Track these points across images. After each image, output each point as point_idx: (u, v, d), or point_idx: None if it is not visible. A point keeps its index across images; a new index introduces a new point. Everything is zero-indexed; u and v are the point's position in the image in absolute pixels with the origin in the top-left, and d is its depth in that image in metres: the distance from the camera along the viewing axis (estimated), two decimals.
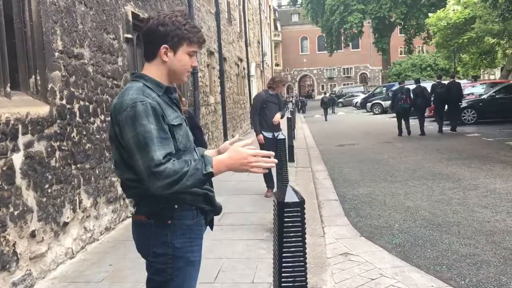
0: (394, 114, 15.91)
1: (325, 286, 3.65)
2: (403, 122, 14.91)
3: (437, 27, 26.59)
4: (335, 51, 49.56)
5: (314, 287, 3.61)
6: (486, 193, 6.55)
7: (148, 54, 1.87)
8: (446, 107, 15.56)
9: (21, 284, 3.53)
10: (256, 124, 6.93)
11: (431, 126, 16.46)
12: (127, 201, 5.74)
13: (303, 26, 68.11)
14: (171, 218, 1.80)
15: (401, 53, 55.29)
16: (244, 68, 18.90)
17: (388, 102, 19.93)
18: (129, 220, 5.63)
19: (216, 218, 5.89)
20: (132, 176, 1.78)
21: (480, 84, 22.21)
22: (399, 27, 45.56)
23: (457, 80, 16.27)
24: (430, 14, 29.28)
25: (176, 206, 1.80)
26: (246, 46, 19.64)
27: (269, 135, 6.71)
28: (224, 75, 13.24)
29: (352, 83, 63.80)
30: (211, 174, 1.71)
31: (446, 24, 25.78)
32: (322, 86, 70.45)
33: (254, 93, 21.57)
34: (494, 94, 17.68)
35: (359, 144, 13.77)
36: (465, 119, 17.49)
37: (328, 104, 29.14)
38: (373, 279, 3.78)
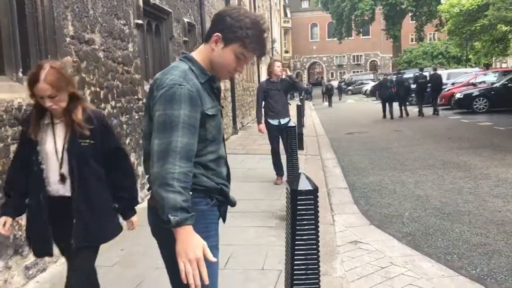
0: (421, 104, 18.02)
1: (335, 274, 3.65)
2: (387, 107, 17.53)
3: (450, 14, 26.24)
4: (345, 38, 49.17)
5: (324, 275, 3.61)
6: (498, 183, 6.50)
7: (206, 36, 1.86)
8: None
9: (33, 268, 3.57)
10: (257, 113, 6.92)
11: (415, 109, 18.45)
12: (138, 187, 5.75)
13: (313, 12, 67.55)
14: None
15: (412, 41, 54.70)
16: None
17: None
18: (141, 206, 5.65)
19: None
20: None
21: (492, 72, 21.95)
22: (410, 14, 44.98)
23: (438, 72, 19.19)
24: (442, 1, 28.88)
25: (190, 193, 1.79)
26: None
27: (274, 122, 6.68)
28: None
29: (362, 71, 63.36)
30: (168, 220, 1.61)
31: (458, 11, 25.43)
32: (332, 73, 70.05)
33: (263, 80, 21.51)
34: (506, 82, 17.46)
35: (369, 132, 13.71)
36: (477, 108, 17.33)
37: (332, 91, 30.26)
38: (383, 268, 3.77)
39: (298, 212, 1.95)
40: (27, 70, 3.87)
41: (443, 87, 19.10)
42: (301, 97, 17.53)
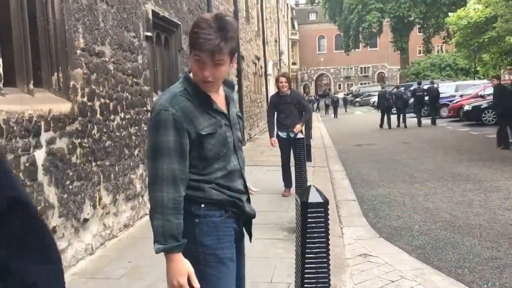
0: (413, 114, 19.63)
1: (344, 287, 3.62)
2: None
3: (458, 26, 26.20)
4: (352, 50, 49.25)
5: None
6: (508, 195, 6.43)
7: None
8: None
9: None
10: (269, 127, 6.90)
11: (413, 119, 19.48)
12: (146, 198, 5.77)
13: (320, 24, 67.78)
14: (197, 216, 1.80)
15: (419, 52, 54.67)
16: (261, 67, 18.88)
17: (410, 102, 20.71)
18: (148, 217, 5.65)
19: None
20: None
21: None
22: (418, 26, 45.02)
23: (435, 85, 20.38)
24: (450, 13, 28.88)
25: (202, 206, 1.80)
26: (264, 44, 19.61)
27: (283, 135, 6.68)
28: (241, 73, 13.23)
29: (369, 82, 63.32)
30: (158, 249, 1.69)
31: (466, 23, 25.39)
32: (339, 85, 70.05)
33: (271, 91, 21.55)
34: None
35: (377, 144, 13.66)
36: (486, 120, 17.22)
37: (337, 102, 31.53)
38: (393, 281, 3.73)
39: (308, 225, 1.93)
40: (38, 82, 3.92)
41: (440, 99, 20.28)
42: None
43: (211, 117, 1.81)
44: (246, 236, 2.05)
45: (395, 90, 21.19)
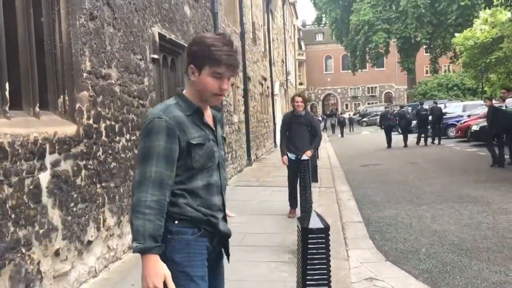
0: (420, 134, 19.83)
1: None
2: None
3: (464, 46, 26.31)
4: (359, 70, 49.45)
5: None
6: None
7: (185, 72, 1.95)
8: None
9: None
10: (281, 146, 6.87)
11: (413, 139, 19.96)
12: None
13: (327, 45, 68.31)
14: (170, 233, 1.82)
15: (426, 72, 54.78)
16: (268, 87, 18.98)
17: (414, 122, 21.38)
18: None
19: (238, 239, 5.86)
20: None
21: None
22: (424, 47, 45.19)
23: (438, 105, 20.85)
24: (456, 34, 29.00)
25: (176, 222, 1.83)
26: (270, 65, 19.75)
27: (292, 156, 6.64)
28: (248, 94, 13.30)
29: (376, 102, 63.37)
30: (136, 248, 1.70)
31: (473, 43, 25.49)
32: (346, 105, 70.19)
33: (277, 111, 21.61)
34: None
35: (383, 164, 13.59)
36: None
37: (344, 122, 32.83)
38: None
39: (309, 251, 1.91)
40: (44, 105, 3.96)
41: (447, 119, 21.18)
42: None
43: (201, 129, 1.89)
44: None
45: (397, 110, 22.26)
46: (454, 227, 6.08)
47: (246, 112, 13.05)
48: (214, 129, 1.96)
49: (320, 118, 41.84)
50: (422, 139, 19.54)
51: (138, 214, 1.70)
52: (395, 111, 22.07)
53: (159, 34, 6.27)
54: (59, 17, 4.05)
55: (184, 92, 1.93)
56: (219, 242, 1.99)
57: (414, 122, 21.54)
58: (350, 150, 19.73)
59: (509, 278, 4.21)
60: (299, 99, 6.69)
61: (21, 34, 3.64)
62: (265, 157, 16.03)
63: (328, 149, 19.52)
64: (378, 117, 41.01)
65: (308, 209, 5.05)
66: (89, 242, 4.29)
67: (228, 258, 2.06)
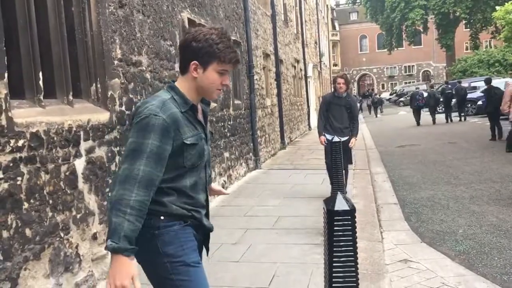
0: (447, 113, 20.89)
1: None
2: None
3: (505, 20, 25.19)
4: (395, 49, 48.25)
5: None
6: None
7: (181, 68, 1.92)
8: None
9: (83, 285, 3.68)
10: (319, 125, 6.80)
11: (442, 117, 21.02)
12: None
13: (361, 24, 66.85)
14: (157, 228, 1.83)
15: (466, 49, 52.86)
16: (301, 70, 18.80)
17: (453, 100, 21.38)
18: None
19: (271, 221, 5.87)
20: None
21: None
22: (464, 22, 43.55)
23: (462, 84, 21.94)
24: (497, 7, 27.78)
25: (162, 218, 1.84)
26: (303, 47, 19.53)
27: (329, 137, 6.53)
28: (280, 77, 13.22)
29: (414, 81, 61.80)
30: (110, 246, 1.68)
31: None
32: (383, 85, 68.79)
33: (311, 94, 21.41)
34: None
35: (421, 144, 13.30)
36: None
37: (378, 103, 33.64)
38: None
39: (335, 233, 1.90)
40: (77, 93, 4.05)
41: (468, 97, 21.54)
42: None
43: (194, 128, 1.88)
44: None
45: (428, 90, 24.09)
46: (493, 208, 5.91)
47: (279, 95, 12.99)
48: (204, 126, 1.97)
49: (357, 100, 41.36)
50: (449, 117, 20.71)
51: (119, 212, 1.68)
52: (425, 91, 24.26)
53: (189, 19, 6.29)
54: (89, 6, 4.10)
55: (177, 85, 1.91)
56: (202, 235, 2.02)
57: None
58: (387, 131, 19.39)
59: None
60: (341, 80, 6.59)
61: (52, 24, 3.71)
62: (299, 140, 15.97)
63: (364, 130, 19.25)
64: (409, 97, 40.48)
65: (341, 192, 5.01)
66: None
67: (207, 252, 2.11)
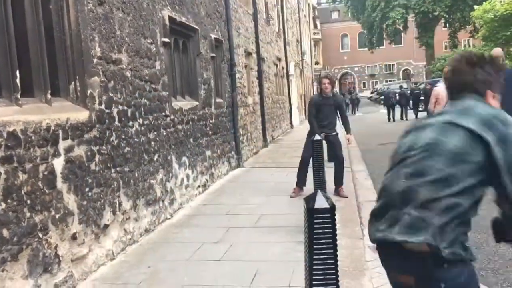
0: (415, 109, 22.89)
1: None
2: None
3: (484, 19, 25.59)
4: (376, 48, 48.67)
5: None
6: None
7: (474, 89, 1.87)
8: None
9: (63, 286, 3.64)
10: (314, 127, 6.82)
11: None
12: (166, 202, 5.82)
13: (343, 23, 67.25)
14: (443, 281, 1.70)
15: (445, 48, 53.58)
16: (283, 68, 18.84)
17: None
18: (169, 222, 5.71)
19: (253, 220, 5.88)
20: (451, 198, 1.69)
21: None
22: (443, 21, 44.15)
23: (428, 86, 22.24)
24: (475, 7, 28.23)
25: (445, 266, 1.69)
26: (285, 45, 19.56)
27: (318, 137, 6.65)
28: (262, 75, 13.23)
29: (394, 80, 62.46)
30: None
31: (493, 16, 24.78)
32: (364, 83, 69.35)
33: (293, 92, 21.48)
34: None
35: None
36: None
37: (357, 100, 36.23)
38: None
39: (315, 231, 1.91)
40: (56, 91, 3.99)
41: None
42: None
43: None
44: None
45: (402, 89, 26.06)
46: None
47: (261, 93, 13.00)
48: None
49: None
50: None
51: None
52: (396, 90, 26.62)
53: (169, 17, 6.25)
54: (67, 3, 4.05)
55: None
56: None
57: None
58: (368, 128, 19.55)
59: None
60: (326, 80, 6.76)
61: (30, 22, 3.66)
62: (282, 138, 16.00)
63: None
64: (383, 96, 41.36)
65: (322, 190, 5.04)
66: (106, 226, 4.36)
67: None
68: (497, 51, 9.77)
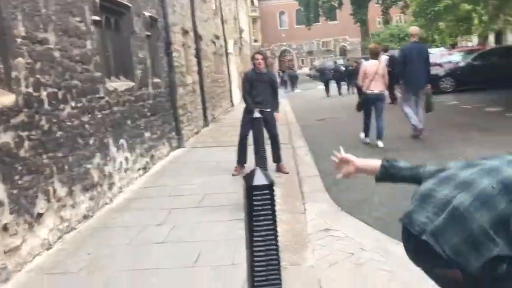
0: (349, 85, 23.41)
1: (306, 263, 3.64)
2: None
3: None
4: (313, 24, 49.25)
5: (294, 265, 3.60)
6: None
7: None
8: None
9: None
10: (248, 103, 6.82)
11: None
12: (105, 187, 5.65)
13: (280, 0, 67.37)
14: None
15: (379, 24, 55.08)
16: (221, 46, 18.63)
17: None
18: (108, 207, 5.55)
19: (196, 200, 5.86)
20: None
21: (458, 52, 22.27)
22: None
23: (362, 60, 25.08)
24: None
25: None
26: (222, 23, 19.31)
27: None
28: (200, 53, 13.02)
29: (332, 56, 63.60)
30: None
31: None
32: (302, 60, 70.17)
33: (233, 70, 21.36)
34: (471, 61, 17.73)
35: (339, 117, 13.78)
36: (444, 87, 17.57)
37: (295, 77, 35.91)
38: (353, 254, 3.78)
39: (255, 208, 1.90)
40: None
41: None
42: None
43: None
44: None
45: (336, 65, 27.41)
46: None
47: (200, 72, 12.81)
48: None
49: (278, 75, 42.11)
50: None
51: None
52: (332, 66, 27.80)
53: None
54: None
55: None
56: None
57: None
58: (307, 105, 19.85)
59: None
60: (259, 56, 6.76)
61: None
62: (223, 117, 15.92)
63: (285, 105, 19.57)
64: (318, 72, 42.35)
65: (263, 167, 5.07)
66: (40, 215, 4.16)
67: None
68: (414, 29, 10.30)
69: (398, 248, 3.80)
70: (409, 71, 8.91)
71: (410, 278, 3.22)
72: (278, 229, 4.34)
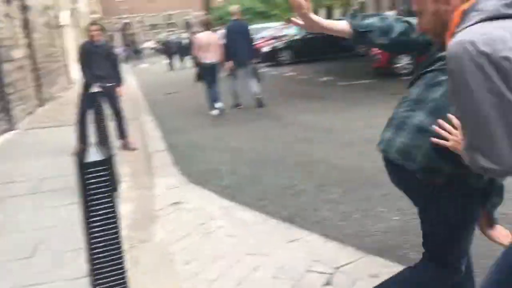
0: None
1: (155, 239, 3.59)
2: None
3: None
4: None
5: (144, 242, 3.53)
6: (304, 129, 7.09)
7: None
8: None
9: None
10: (87, 75, 6.40)
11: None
12: None
13: None
14: None
15: None
16: (55, 17, 17.09)
17: None
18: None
19: (36, 185, 5.39)
20: None
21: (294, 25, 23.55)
22: None
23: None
24: None
25: None
26: None
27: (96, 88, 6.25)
28: (29, 25, 11.77)
29: (175, 30, 62.84)
30: None
31: None
32: (146, 34, 68.08)
33: (69, 44, 19.83)
34: (305, 34, 18.96)
35: (184, 91, 13.76)
36: (283, 60, 18.59)
37: (139, 52, 37.58)
38: (202, 224, 3.83)
39: (90, 187, 1.78)
40: None
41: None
42: None
43: None
44: None
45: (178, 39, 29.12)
46: (251, 144, 6.53)
47: (30, 46, 11.61)
48: None
49: (121, 50, 40.22)
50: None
51: None
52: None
53: None
54: None
55: None
56: None
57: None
58: (153, 79, 19.43)
59: (293, 182, 4.73)
60: (94, 27, 6.49)
61: None
62: (61, 95, 14.75)
63: (132, 80, 18.88)
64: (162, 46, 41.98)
65: (105, 144, 4.83)
66: None
67: None
68: (234, 8, 10.81)
69: (244, 214, 3.99)
70: (233, 48, 9.27)
71: (257, 241, 3.39)
72: (126, 206, 4.23)
